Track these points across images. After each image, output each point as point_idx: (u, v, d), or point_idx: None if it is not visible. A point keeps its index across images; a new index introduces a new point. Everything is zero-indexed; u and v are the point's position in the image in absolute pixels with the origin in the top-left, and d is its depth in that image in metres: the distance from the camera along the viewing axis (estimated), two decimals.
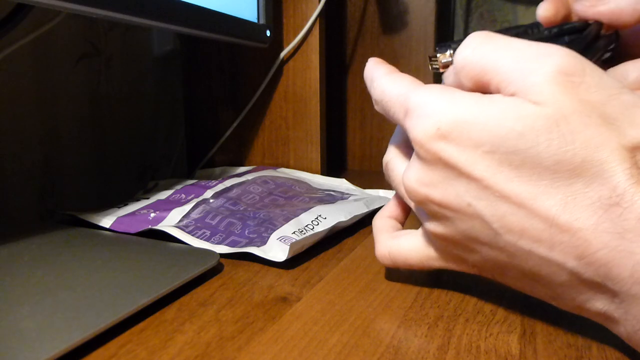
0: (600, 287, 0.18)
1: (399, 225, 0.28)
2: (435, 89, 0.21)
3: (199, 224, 0.34)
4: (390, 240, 0.27)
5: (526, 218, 0.19)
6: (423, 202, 0.22)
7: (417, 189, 0.22)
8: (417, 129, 0.21)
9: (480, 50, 0.20)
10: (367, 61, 0.26)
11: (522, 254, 0.20)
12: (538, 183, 0.18)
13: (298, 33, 0.52)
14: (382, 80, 0.24)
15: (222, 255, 0.31)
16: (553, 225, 0.18)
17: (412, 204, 0.25)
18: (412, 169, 0.22)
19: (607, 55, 0.25)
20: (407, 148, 0.26)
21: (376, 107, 0.25)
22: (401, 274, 0.29)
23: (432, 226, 0.23)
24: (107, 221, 0.35)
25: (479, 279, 0.28)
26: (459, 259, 0.23)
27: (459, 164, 0.20)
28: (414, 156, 0.22)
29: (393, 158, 0.26)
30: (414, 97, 0.21)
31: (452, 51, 0.24)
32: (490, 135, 0.19)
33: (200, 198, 0.39)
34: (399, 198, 0.28)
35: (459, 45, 0.21)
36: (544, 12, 0.24)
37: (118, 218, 0.35)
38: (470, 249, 0.22)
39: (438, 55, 0.25)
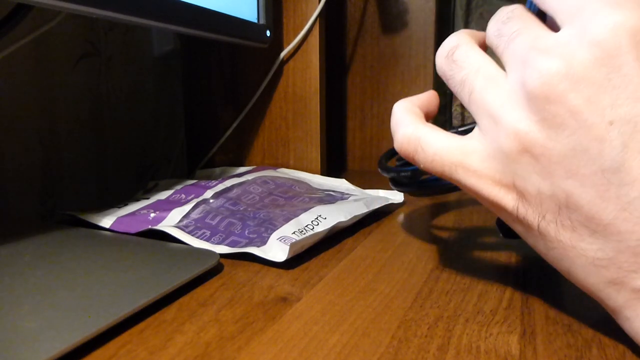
0: None
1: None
2: None
3: (199, 224, 0.34)
4: (424, 127, 0.23)
5: None
6: (547, 100, 0.18)
7: (554, 82, 0.18)
8: (620, 14, 0.17)
9: None
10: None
11: (627, 199, 0.17)
12: None
13: (298, 33, 0.52)
14: None
15: (222, 256, 0.31)
16: None
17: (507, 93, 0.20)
18: (560, 58, 0.18)
19: None
20: (480, 40, 0.23)
21: None
22: (401, 274, 0.29)
23: (530, 128, 0.19)
24: (107, 221, 0.35)
25: (478, 279, 0.28)
26: (508, 181, 0.20)
27: (634, 68, 0.17)
28: (571, 42, 0.18)
29: (469, 43, 0.22)
30: None
31: None
32: None
33: (200, 198, 0.39)
34: (433, 96, 0.25)
35: None
36: None
37: (118, 218, 0.35)
38: (549, 172, 0.19)
39: None
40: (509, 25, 0.21)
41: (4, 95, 0.42)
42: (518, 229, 0.22)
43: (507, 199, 0.21)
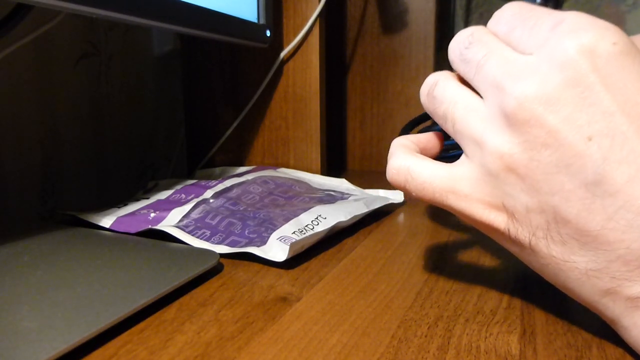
0: None
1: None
2: None
3: (199, 224, 0.34)
4: (413, 157, 0.24)
5: None
6: (527, 124, 0.19)
7: (532, 106, 0.19)
8: (584, 37, 0.18)
9: None
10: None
11: (612, 209, 0.18)
12: None
13: (298, 33, 0.52)
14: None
15: (222, 255, 0.31)
16: None
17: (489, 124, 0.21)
18: (535, 82, 0.19)
19: None
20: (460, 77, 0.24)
21: (501, 17, 0.22)
22: (401, 274, 0.29)
23: (513, 150, 0.20)
24: (107, 221, 0.35)
25: (478, 279, 0.28)
26: (498, 202, 0.21)
27: (610, 87, 0.18)
28: (541, 67, 0.19)
29: (447, 79, 0.23)
30: (575, 14, 0.19)
31: None
32: None
33: (200, 198, 0.39)
34: (434, 136, 0.26)
35: None
36: None
37: (118, 218, 0.35)
38: (535, 190, 0.19)
39: None
40: (472, 50, 0.22)
41: (4, 95, 0.42)
42: (513, 249, 0.22)
43: (499, 220, 0.21)
